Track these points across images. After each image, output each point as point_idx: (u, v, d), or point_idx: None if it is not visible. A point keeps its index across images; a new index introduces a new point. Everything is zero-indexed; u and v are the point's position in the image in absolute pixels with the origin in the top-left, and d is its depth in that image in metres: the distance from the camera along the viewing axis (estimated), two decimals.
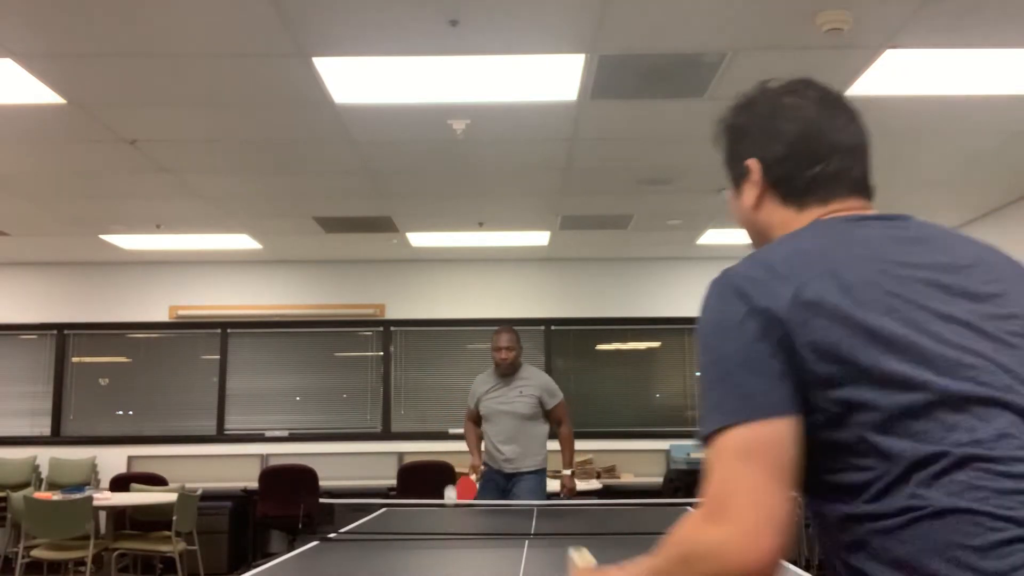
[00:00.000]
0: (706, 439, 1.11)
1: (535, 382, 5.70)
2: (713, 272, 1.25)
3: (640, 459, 8.66)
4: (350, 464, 8.65)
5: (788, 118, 1.32)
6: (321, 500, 4.80)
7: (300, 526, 7.51)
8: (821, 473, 1.12)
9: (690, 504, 4.84)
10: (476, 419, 5.83)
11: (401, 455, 8.62)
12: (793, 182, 1.31)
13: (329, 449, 8.69)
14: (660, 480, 8.25)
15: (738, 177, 1.38)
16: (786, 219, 1.31)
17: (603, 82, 4.43)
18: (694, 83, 4.47)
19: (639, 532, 3.60)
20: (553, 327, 9.01)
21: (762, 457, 1.07)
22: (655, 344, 9.04)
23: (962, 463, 1.04)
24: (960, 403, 1.07)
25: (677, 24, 3.83)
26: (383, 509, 4.87)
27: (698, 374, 1.16)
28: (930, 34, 3.92)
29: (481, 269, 9.05)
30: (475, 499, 5.45)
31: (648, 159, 5.75)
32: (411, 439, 8.77)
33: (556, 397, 5.70)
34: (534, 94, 4.60)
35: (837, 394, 1.09)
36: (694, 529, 1.09)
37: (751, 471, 1.06)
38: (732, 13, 3.74)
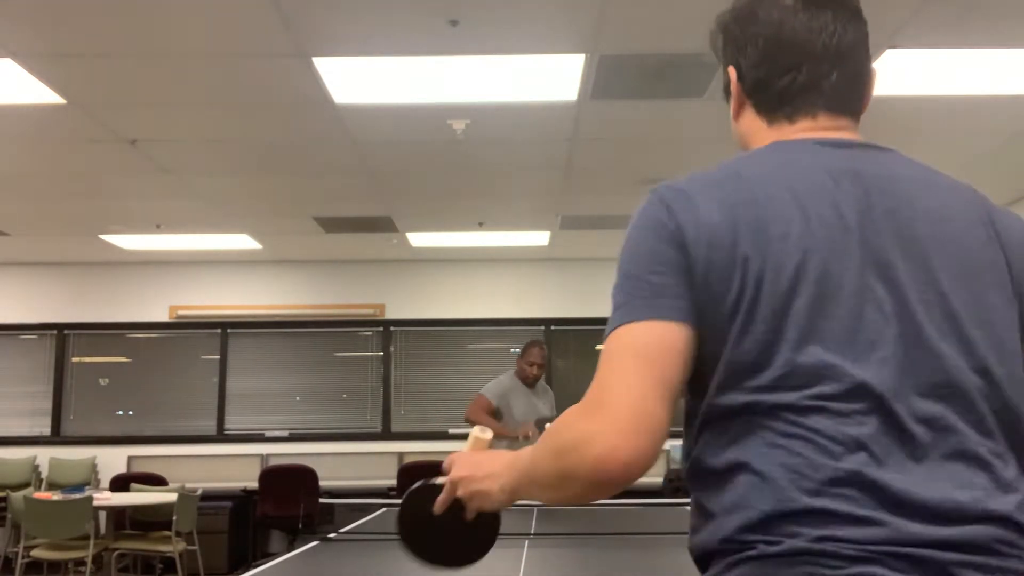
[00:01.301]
0: (607, 335, 1.11)
1: (549, 393, 6.10)
2: None
3: None
4: (350, 464, 8.64)
5: (762, 20, 1.22)
6: (321, 500, 4.80)
7: (300, 526, 7.51)
8: None
9: (690, 504, 4.83)
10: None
11: (401, 455, 8.62)
12: (763, 94, 1.24)
13: (329, 449, 8.68)
14: (660, 480, 8.24)
15: (725, 85, 1.30)
16: (758, 130, 1.25)
17: (603, 82, 4.43)
18: (694, 83, 4.47)
19: (639, 532, 3.60)
20: (553, 327, 9.01)
21: (652, 361, 1.07)
22: None
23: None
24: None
25: (677, 24, 3.83)
26: (383, 509, 4.87)
27: (615, 279, 1.15)
28: (930, 34, 3.92)
29: (481, 269, 9.05)
30: None
31: (648, 159, 5.74)
32: (411, 439, 8.76)
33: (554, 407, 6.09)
34: (534, 94, 4.60)
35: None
36: (568, 420, 1.10)
37: (638, 372, 1.06)
38: None
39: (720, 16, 1.31)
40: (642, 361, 1.06)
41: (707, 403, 1.09)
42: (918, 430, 1.03)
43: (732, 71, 1.27)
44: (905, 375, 1.05)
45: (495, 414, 5.84)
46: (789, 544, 1.00)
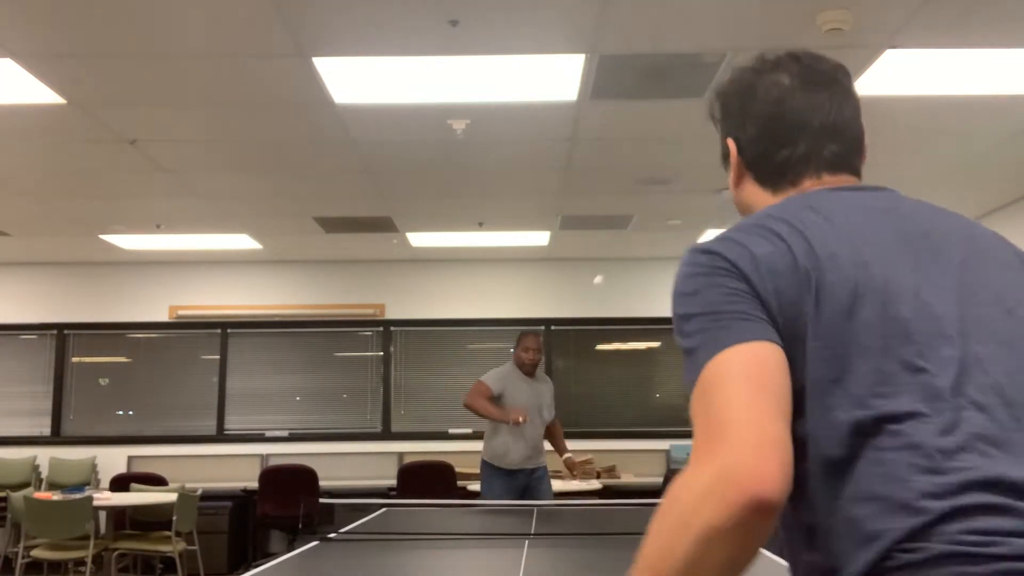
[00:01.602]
0: (695, 381, 1.03)
1: (548, 383, 6.17)
2: None
3: (640, 459, 8.67)
4: (350, 464, 8.65)
5: (760, 98, 1.27)
6: (321, 500, 4.80)
7: (300, 526, 7.51)
8: None
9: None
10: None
11: (401, 455, 8.62)
12: (765, 166, 1.28)
13: (329, 449, 8.69)
14: (660, 480, 8.24)
15: (724, 155, 1.35)
16: (762, 200, 1.28)
17: (603, 82, 4.43)
18: (694, 83, 4.47)
19: (639, 532, 3.60)
20: (553, 327, 9.01)
21: (762, 382, 1.00)
22: (655, 344, 9.04)
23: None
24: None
25: (677, 24, 3.83)
26: (383, 509, 4.87)
27: (678, 337, 1.10)
28: (930, 34, 3.92)
29: (481, 269, 9.05)
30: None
31: (648, 159, 5.75)
32: (411, 439, 8.77)
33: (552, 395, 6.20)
34: (534, 94, 4.60)
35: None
36: (683, 479, 0.98)
37: (751, 397, 0.98)
38: (732, 13, 3.74)
39: (719, 88, 1.36)
40: (752, 384, 0.99)
41: (798, 436, 1.02)
42: (1006, 417, 1.01)
43: (732, 143, 1.31)
44: (976, 369, 1.04)
45: (497, 402, 5.87)
46: (931, 550, 0.95)
